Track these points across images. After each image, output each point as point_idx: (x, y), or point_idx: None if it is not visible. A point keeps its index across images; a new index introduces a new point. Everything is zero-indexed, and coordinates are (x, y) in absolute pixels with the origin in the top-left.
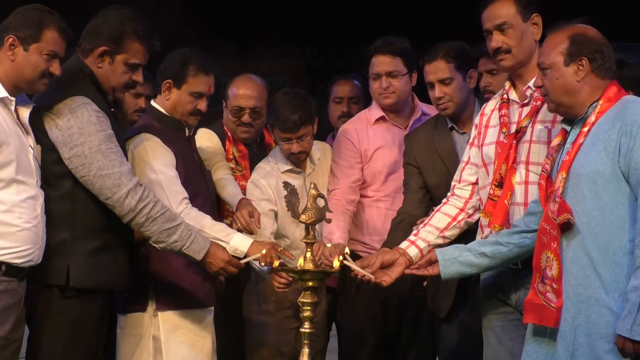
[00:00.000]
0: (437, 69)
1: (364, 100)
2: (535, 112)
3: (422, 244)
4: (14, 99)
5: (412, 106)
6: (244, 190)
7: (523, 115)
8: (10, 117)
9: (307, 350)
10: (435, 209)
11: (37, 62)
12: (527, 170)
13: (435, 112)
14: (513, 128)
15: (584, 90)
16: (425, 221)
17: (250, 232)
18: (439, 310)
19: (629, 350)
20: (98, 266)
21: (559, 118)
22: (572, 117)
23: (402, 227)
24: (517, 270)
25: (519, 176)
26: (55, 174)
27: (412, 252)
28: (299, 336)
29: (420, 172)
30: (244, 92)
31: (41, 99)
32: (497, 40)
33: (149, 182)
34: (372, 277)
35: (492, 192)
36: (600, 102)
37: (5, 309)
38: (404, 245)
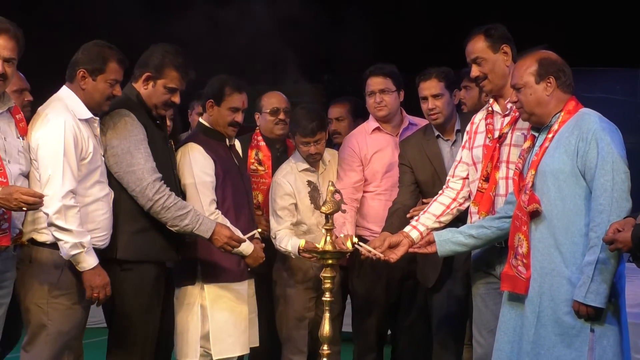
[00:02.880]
0: (431, 86)
1: (351, 118)
2: (514, 121)
3: (421, 228)
4: (97, 118)
5: (401, 118)
6: (268, 186)
7: (504, 124)
8: (91, 133)
9: (328, 315)
10: (433, 198)
11: (104, 88)
12: (507, 168)
13: (420, 123)
14: (496, 134)
15: (552, 103)
16: (425, 209)
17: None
18: (427, 281)
19: (582, 312)
20: (141, 242)
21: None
22: (540, 125)
23: (397, 214)
24: (501, 248)
25: (501, 173)
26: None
27: (414, 234)
28: (318, 303)
29: (412, 170)
30: (277, 98)
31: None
32: (474, 70)
33: (188, 183)
34: (381, 255)
35: (480, 185)
36: (562, 113)
37: None
38: (407, 229)
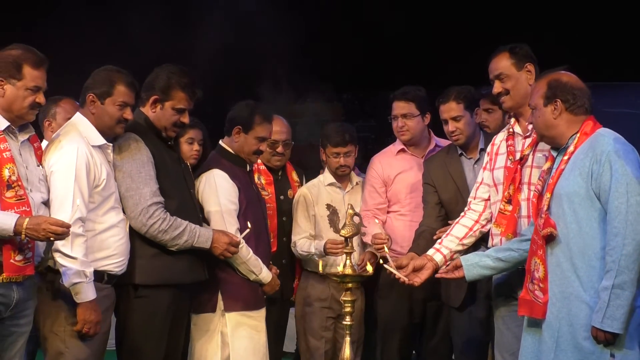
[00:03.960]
0: (450, 109)
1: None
2: (535, 143)
3: (445, 251)
4: (111, 145)
5: (429, 139)
6: (273, 211)
7: (526, 145)
8: (105, 159)
9: (349, 339)
10: (455, 221)
11: (113, 112)
12: (529, 189)
13: (447, 144)
14: (518, 155)
15: (560, 125)
16: (448, 231)
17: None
18: (452, 301)
19: (600, 338)
20: (159, 266)
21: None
22: (556, 146)
23: (424, 236)
24: (523, 270)
25: (523, 194)
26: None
27: (437, 257)
28: (336, 324)
29: (436, 190)
30: (276, 129)
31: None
32: (496, 87)
33: (214, 211)
34: (405, 279)
35: (502, 207)
36: (578, 135)
37: (106, 310)
38: (430, 252)
